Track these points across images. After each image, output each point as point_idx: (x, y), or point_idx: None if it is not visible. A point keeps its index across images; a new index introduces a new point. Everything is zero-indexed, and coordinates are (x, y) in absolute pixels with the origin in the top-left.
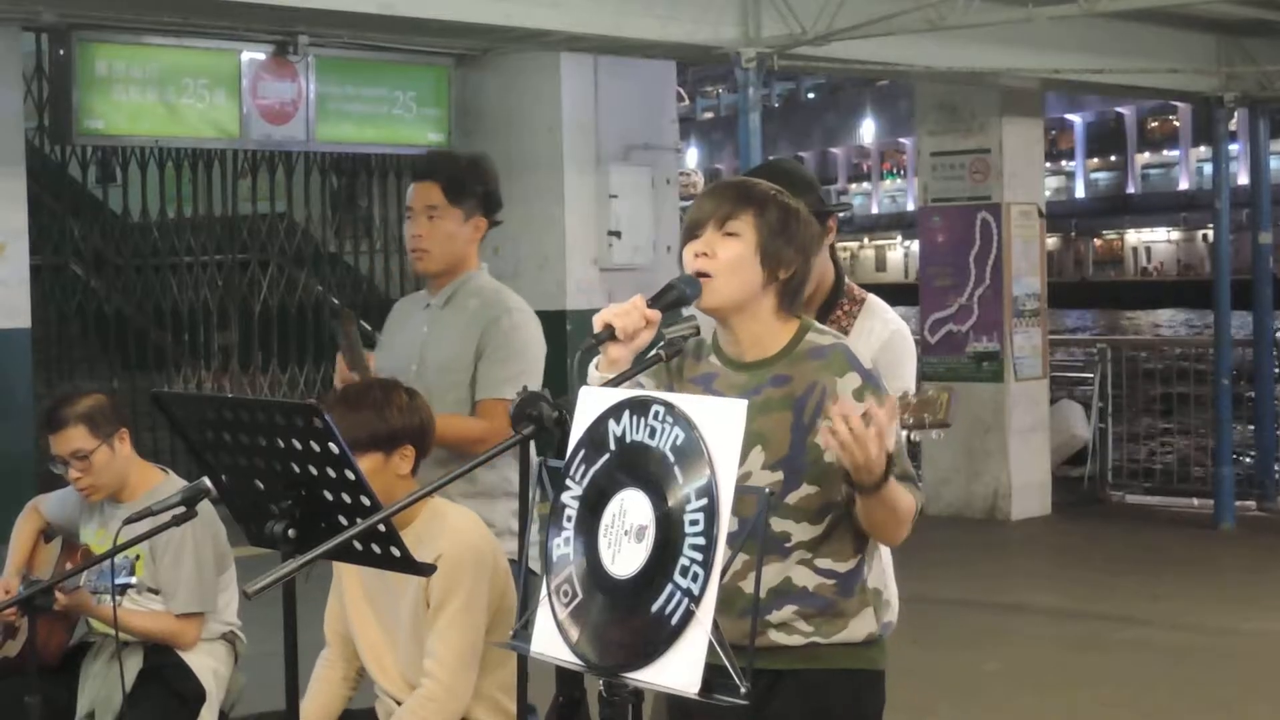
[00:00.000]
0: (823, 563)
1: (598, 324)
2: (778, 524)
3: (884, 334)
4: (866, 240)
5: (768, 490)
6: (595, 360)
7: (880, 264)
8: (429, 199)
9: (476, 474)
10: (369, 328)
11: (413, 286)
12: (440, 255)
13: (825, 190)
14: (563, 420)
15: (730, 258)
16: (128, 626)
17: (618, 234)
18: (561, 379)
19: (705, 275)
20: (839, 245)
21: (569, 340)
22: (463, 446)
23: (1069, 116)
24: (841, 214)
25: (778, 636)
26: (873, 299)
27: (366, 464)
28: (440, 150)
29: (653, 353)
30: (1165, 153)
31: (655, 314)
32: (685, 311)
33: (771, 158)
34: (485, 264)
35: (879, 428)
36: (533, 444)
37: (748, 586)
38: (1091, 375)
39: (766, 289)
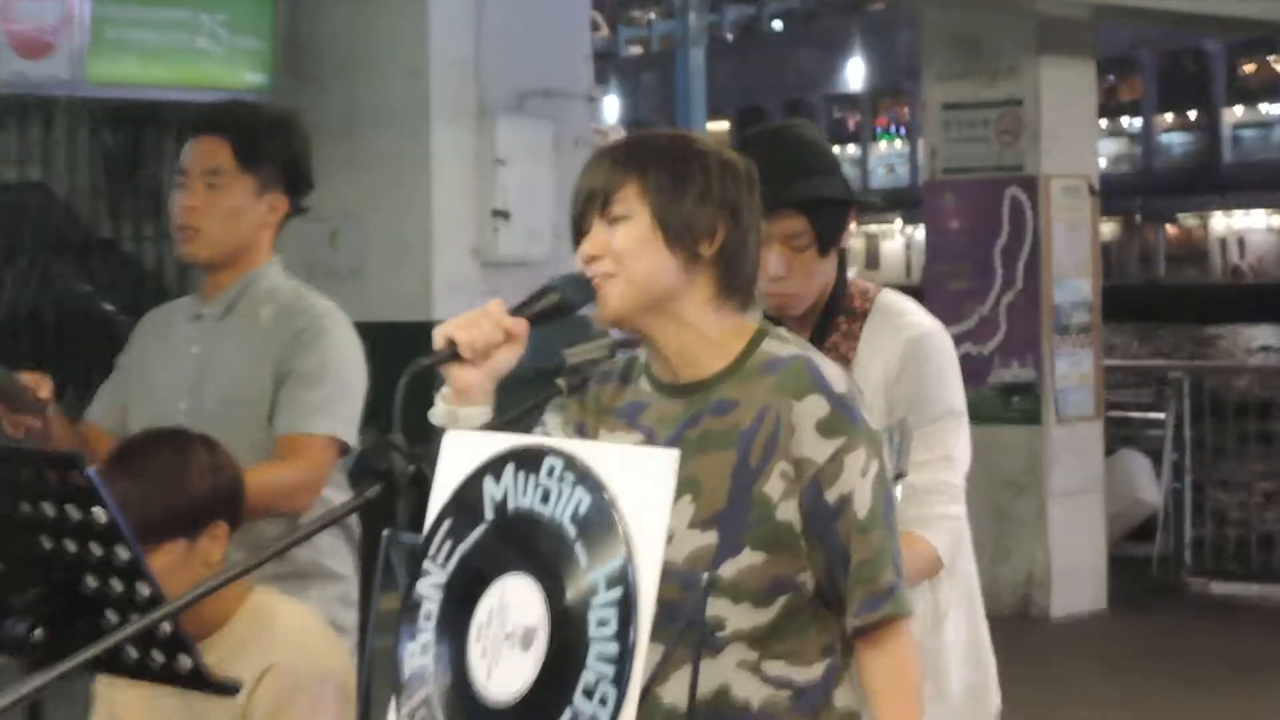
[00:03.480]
0: (773, 667)
1: (437, 339)
2: (708, 605)
3: (897, 345)
4: (854, 225)
5: (706, 577)
6: (442, 391)
7: (872, 258)
8: (211, 160)
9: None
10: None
11: None
12: (218, 238)
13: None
14: (421, 477)
15: (621, 248)
16: None
17: (505, 214)
18: (420, 418)
19: (599, 278)
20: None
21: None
22: (270, 505)
23: (1133, 56)
24: (866, 210)
25: None
26: (885, 298)
27: (165, 556)
28: (232, 100)
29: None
30: (1265, 107)
31: (518, 324)
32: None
33: (784, 121)
34: (279, 257)
35: None
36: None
37: (666, 694)
38: (1163, 415)
39: (690, 274)
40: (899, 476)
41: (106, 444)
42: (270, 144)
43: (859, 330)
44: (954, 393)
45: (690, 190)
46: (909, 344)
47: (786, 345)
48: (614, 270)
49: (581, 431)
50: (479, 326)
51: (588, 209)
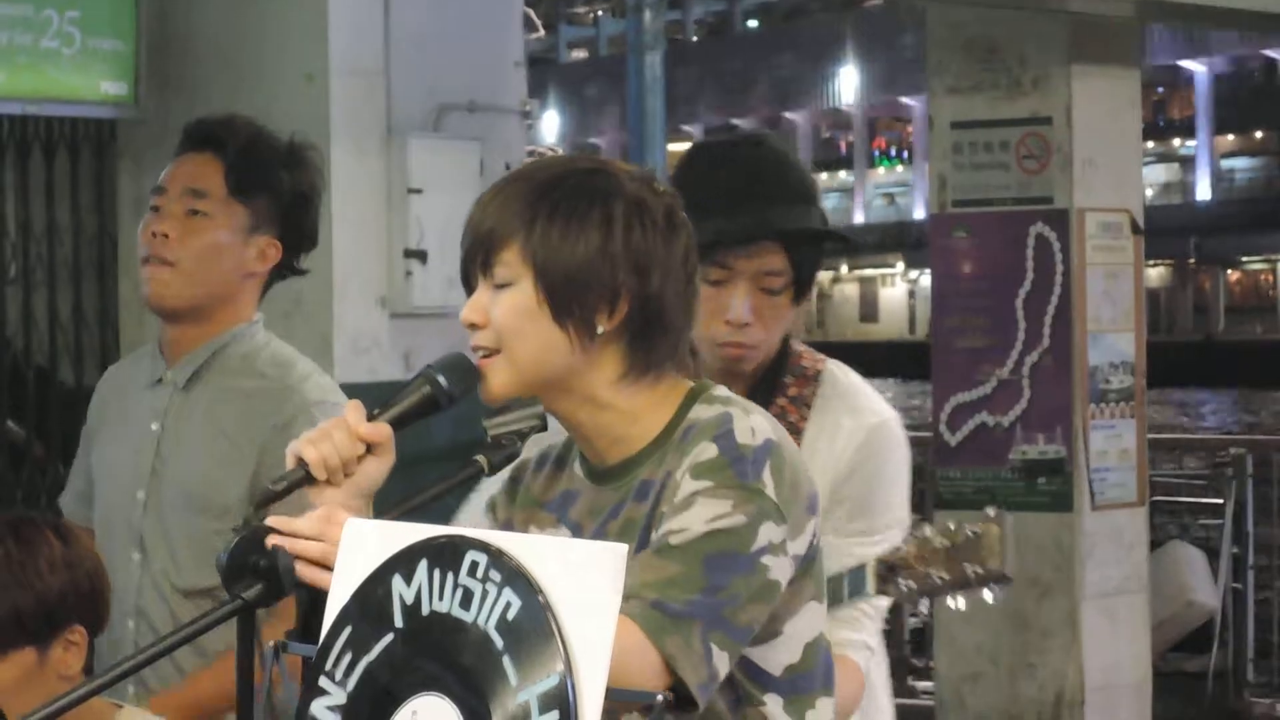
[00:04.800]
0: None
1: (287, 459)
2: None
3: (856, 431)
4: (845, 269)
5: (660, 698)
6: None
7: (868, 309)
8: (198, 179)
9: (208, 649)
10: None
11: (74, 357)
12: (193, 278)
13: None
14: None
15: (502, 323)
16: None
17: (422, 255)
18: None
19: (484, 354)
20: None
21: None
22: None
23: (1186, 65)
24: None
25: None
26: (835, 367)
27: (11, 668)
28: (231, 114)
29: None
30: None
31: (377, 431)
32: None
33: (753, 134)
34: (262, 315)
35: None
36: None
37: None
38: (1221, 500)
39: (588, 353)
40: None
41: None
42: (273, 172)
43: (810, 396)
44: (905, 499)
45: (581, 248)
46: (870, 433)
47: (714, 406)
48: (495, 346)
49: (507, 527)
50: (330, 439)
51: (470, 263)
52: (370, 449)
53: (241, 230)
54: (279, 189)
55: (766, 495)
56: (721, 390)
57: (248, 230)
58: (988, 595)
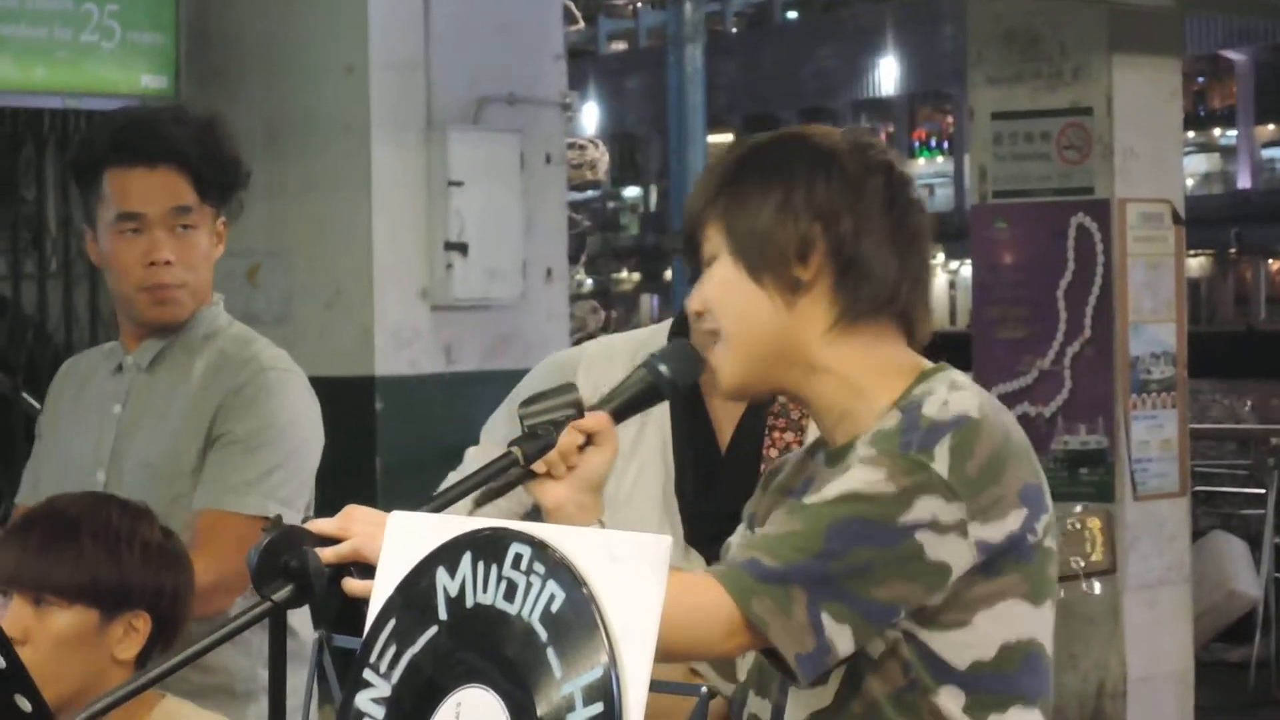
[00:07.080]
0: None
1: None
2: (755, 703)
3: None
4: None
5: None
6: None
7: None
8: (177, 196)
9: (208, 658)
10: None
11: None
12: (198, 289)
13: None
14: (344, 576)
15: (710, 297)
16: None
17: (462, 247)
18: (359, 489)
19: (712, 337)
20: None
21: (378, 429)
22: None
23: (1227, 54)
24: None
25: None
26: None
27: (69, 618)
28: (166, 108)
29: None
30: None
31: (596, 420)
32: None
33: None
34: (221, 296)
35: None
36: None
37: None
38: (1264, 491)
39: (793, 309)
40: None
41: None
42: (229, 166)
43: None
44: None
45: (766, 205)
46: None
47: (933, 381)
48: (714, 327)
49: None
50: None
51: (689, 254)
52: (590, 439)
53: (214, 227)
54: (233, 178)
55: (930, 469)
56: (956, 372)
57: (213, 226)
58: (1094, 587)
